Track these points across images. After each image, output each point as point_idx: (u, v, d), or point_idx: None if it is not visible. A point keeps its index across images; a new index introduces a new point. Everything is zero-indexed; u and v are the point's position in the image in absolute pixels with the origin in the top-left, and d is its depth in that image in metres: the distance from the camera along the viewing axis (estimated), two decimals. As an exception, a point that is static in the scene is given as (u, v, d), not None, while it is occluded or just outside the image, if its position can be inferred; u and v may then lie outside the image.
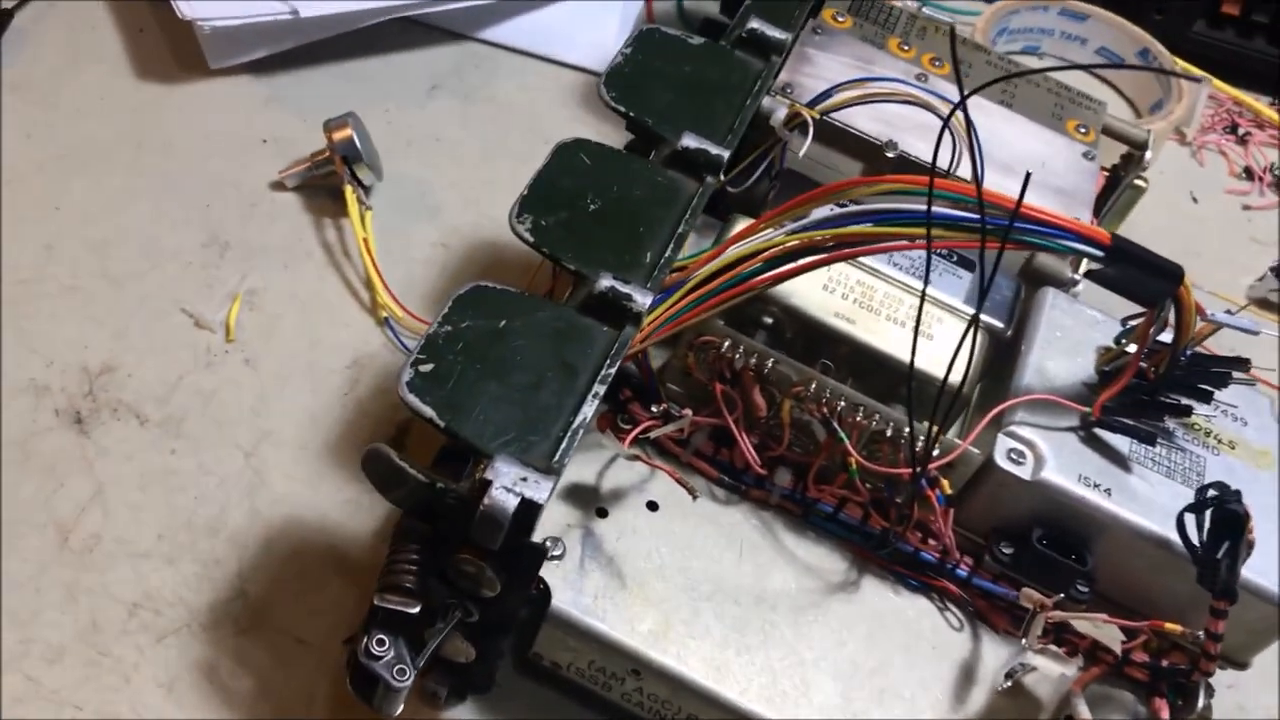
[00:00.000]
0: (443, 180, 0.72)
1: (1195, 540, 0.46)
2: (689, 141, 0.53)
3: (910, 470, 0.48)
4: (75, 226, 0.64)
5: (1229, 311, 0.52)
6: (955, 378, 0.45)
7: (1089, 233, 0.45)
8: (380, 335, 0.63)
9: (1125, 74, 0.94)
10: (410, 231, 0.69)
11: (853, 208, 0.46)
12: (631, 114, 0.55)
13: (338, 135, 0.67)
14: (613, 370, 0.45)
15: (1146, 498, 0.50)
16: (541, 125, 0.77)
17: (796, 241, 0.47)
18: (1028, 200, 0.45)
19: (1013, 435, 0.50)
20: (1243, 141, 0.94)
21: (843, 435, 0.49)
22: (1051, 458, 0.50)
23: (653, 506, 0.51)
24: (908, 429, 0.48)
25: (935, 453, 0.49)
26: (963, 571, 0.51)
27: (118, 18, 0.76)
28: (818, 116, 0.54)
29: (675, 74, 0.57)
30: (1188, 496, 0.47)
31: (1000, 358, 0.55)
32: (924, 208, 0.44)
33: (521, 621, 0.49)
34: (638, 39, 0.58)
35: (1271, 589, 0.49)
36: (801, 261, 0.48)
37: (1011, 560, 0.51)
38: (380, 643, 0.42)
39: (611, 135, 0.56)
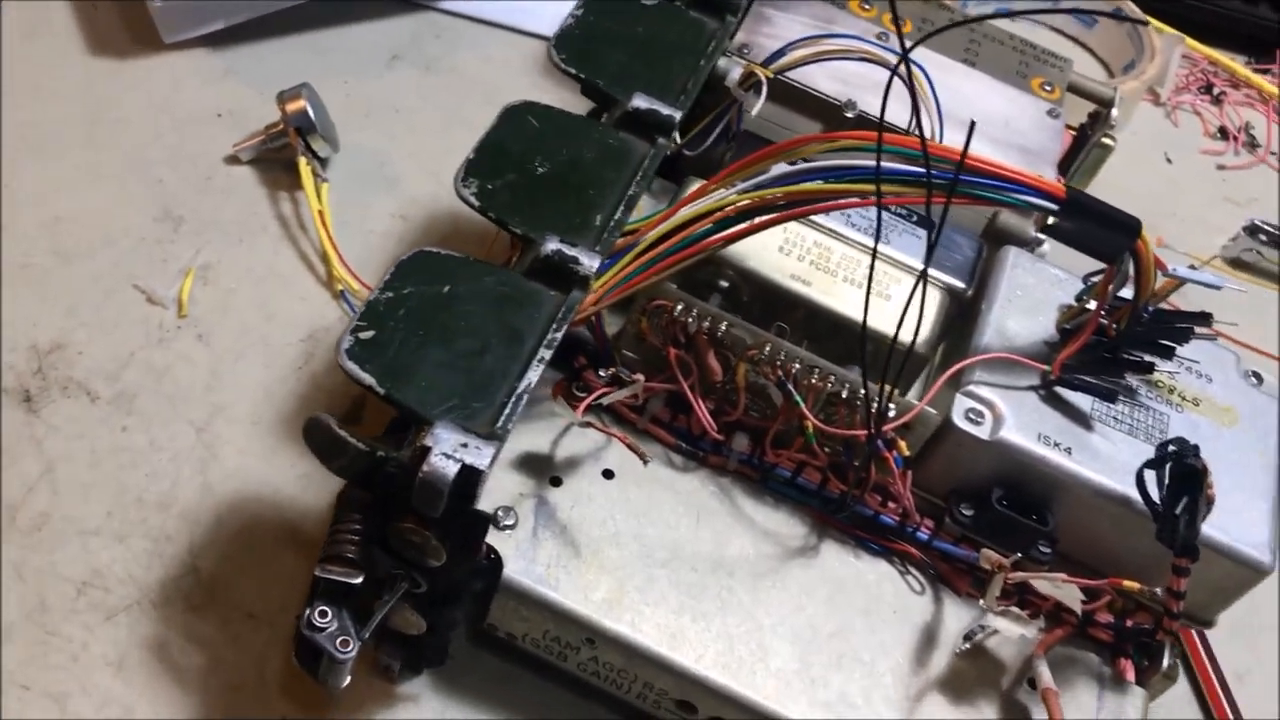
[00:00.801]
0: (401, 151, 0.71)
1: (1155, 496, 0.45)
2: (640, 102, 0.52)
3: (866, 432, 0.47)
4: (26, 205, 0.63)
5: (1192, 266, 0.51)
6: (909, 337, 0.44)
7: (1043, 185, 0.44)
8: (336, 308, 0.63)
9: (1097, 34, 0.93)
10: (368, 203, 0.68)
11: (802, 165, 0.45)
12: (582, 76, 0.54)
13: (291, 107, 0.66)
14: (559, 335, 0.44)
15: (1108, 456, 0.49)
16: (503, 95, 0.74)
17: (747, 201, 0.47)
18: (988, 156, 0.44)
19: (971, 395, 0.49)
20: (1218, 101, 0.93)
21: (798, 398, 0.49)
22: (1010, 417, 0.49)
23: (608, 474, 0.50)
24: (863, 390, 0.47)
25: (891, 414, 0.48)
26: (923, 534, 0.50)
27: (70, -7, 0.75)
28: (771, 75, 0.53)
29: (627, 35, 0.56)
30: (1150, 454, 0.46)
31: (963, 319, 0.55)
32: (873, 164, 0.43)
33: (476, 593, 0.48)
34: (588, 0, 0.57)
35: (1233, 545, 0.48)
36: (753, 221, 0.47)
37: (972, 522, 0.50)
38: (323, 614, 0.41)
39: (574, 104, 0.55)
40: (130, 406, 0.56)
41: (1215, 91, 0.93)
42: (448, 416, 0.40)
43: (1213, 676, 0.57)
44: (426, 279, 0.45)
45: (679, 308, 0.49)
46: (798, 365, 0.49)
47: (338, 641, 0.41)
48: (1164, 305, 0.51)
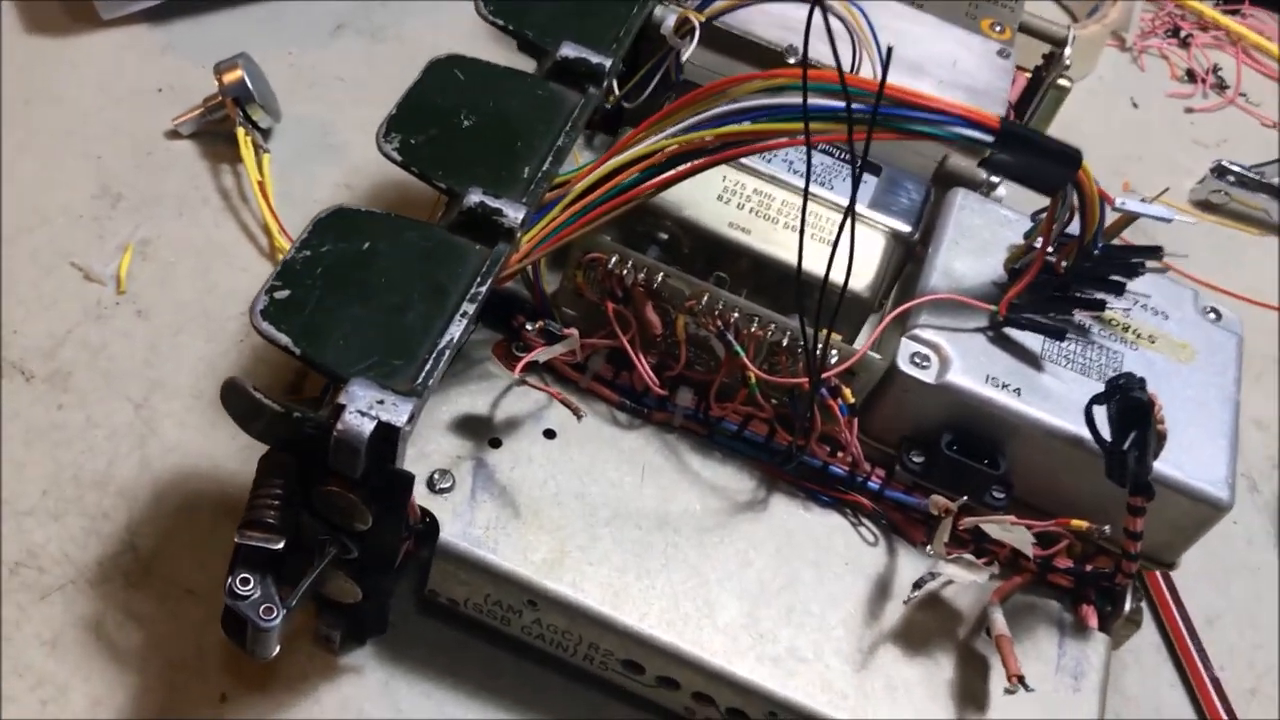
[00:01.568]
0: (346, 121, 0.70)
1: (1105, 434, 0.44)
2: (569, 51, 0.51)
3: (808, 379, 0.46)
4: (-40, 185, 0.62)
5: (1143, 200, 0.50)
6: (843, 279, 0.43)
7: (973, 115, 0.42)
8: (279, 279, 0.61)
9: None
10: (313, 173, 0.67)
11: (729, 106, 0.44)
12: (510, 27, 0.52)
13: (228, 77, 0.64)
14: (484, 289, 0.43)
15: (1059, 396, 0.48)
16: (452, 61, 0.74)
17: (675, 145, 0.45)
18: (935, 96, 0.43)
19: (916, 338, 0.48)
20: (1185, 44, 0.91)
21: (739, 349, 0.47)
22: (958, 359, 0.48)
23: (550, 435, 0.49)
24: (802, 338, 0.46)
25: (834, 359, 0.47)
26: (874, 484, 0.49)
27: (5, -29, 0.73)
28: (702, 20, 0.52)
29: (558, -15, 0.54)
30: (1101, 392, 0.45)
31: (912, 264, 0.53)
32: (798, 101, 0.41)
33: (422, 561, 0.47)
34: (518, -49, 0.55)
35: (1190, 482, 0.47)
36: (682, 167, 0.46)
37: (922, 469, 0.49)
38: (245, 581, 0.40)
39: (525, 69, 0.53)
40: (66, 384, 0.55)
41: (1182, 34, 0.91)
42: (366, 375, 0.39)
43: (1179, 620, 0.56)
44: (345, 236, 0.43)
45: (613, 260, 0.48)
46: (736, 314, 0.47)
47: (261, 609, 0.40)
48: (1117, 242, 0.50)
